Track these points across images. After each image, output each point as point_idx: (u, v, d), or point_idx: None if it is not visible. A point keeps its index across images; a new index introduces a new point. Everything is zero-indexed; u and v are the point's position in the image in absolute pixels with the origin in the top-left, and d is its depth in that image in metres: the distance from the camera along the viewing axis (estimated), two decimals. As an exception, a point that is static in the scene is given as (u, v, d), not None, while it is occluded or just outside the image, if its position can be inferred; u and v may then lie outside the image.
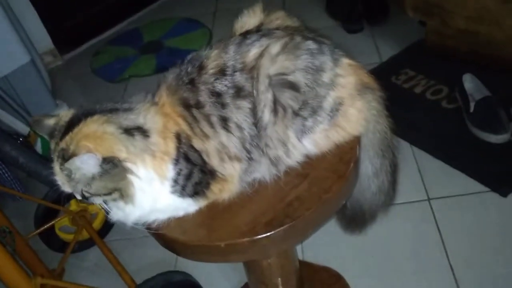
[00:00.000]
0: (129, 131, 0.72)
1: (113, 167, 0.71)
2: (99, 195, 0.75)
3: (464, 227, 1.50)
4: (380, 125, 0.87)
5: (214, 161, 0.76)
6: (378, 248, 1.50)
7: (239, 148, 0.76)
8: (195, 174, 0.76)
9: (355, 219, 1.01)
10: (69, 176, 0.72)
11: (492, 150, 1.67)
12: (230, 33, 0.91)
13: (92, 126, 0.71)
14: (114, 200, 0.76)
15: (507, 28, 1.72)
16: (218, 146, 0.75)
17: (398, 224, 1.52)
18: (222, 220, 0.77)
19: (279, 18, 0.86)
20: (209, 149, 0.75)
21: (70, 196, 1.60)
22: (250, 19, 0.87)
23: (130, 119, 0.73)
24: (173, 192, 0.76)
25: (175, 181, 0.75)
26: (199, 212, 0.79)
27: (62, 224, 1.65)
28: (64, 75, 2.70)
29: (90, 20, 2.89)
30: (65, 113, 0.76)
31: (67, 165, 0.70)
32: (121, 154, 0.71)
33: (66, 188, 0.75)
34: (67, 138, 0.71)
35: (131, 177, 0.73)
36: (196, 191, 0.77)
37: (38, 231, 1.54)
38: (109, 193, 0.74)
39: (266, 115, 0.74)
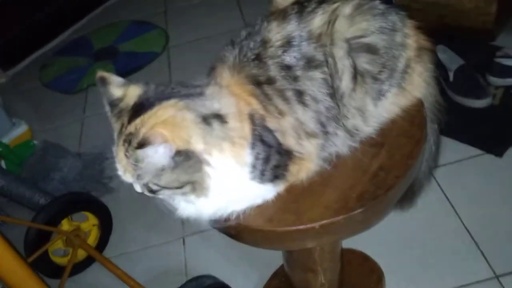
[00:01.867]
0: (206, 119, 0.65)
1: (187, 159, 0.64)
2: (169, 188, 0.67)
3: (469, 191, 1.53)
4: (433, 88, 0.86)
5: (290, 140, 0.70)
6: (391, 224, 1.49)
7: (315, 123, 0.71)
8: (272, 157, 0.70)
9: (405, 193, 0.99)
10: (136, 165, 0.64)
11: (477, 115, 1.72)
12: (269, 7, 0.85)
13: (169, 110, 0.63)
14: (184, 194, 0.68)
15: (475, -3, 1.78)
16: (295, 123, 0.70)
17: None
18: (307, 201, 0.72)
19: (326, -13, 0.82)
20: (285, 127, 0.70)
21: (61, 217, 1.48)
22: None
23: (206, 106, 0.66)
24: (252, 178, 0.70)
25: (254, 166, 0.69)
26: (278, 197, 0.73)
27: (55, 247, 1.51)
28: (12, 92, 2.49)
29: (30, 31, 2.68)
30: (132, 90, 0.67)
31: (138, 152, 0.62)
32: (198, 145, 0.64)
33: (127, 177, 0.67)
34: (138, 121, 0.63)
35: (207, 168, 0.66)
36: (276, 175, 0.71)
37: (33, 257, 1.39)
38: (181, 187, 0.67)
39: (345, 83, 0.70)
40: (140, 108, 0.65)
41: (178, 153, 0.63)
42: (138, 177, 0.66)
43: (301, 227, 0.69)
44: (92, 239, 1.58)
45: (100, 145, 1.89)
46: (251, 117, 0.68)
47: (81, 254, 1.54)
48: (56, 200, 1.52)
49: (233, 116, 0.66)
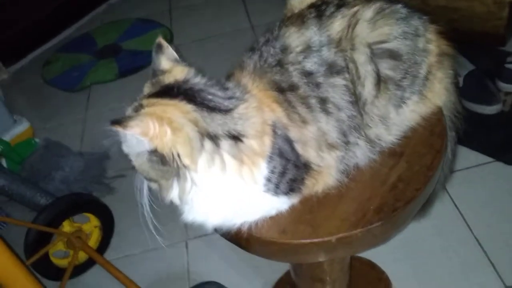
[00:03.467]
0: (215, 137, 0.62)
1: (162, 163, 0.61)
2: (140, 173, 0.65)
3: (478, 199, 1.50)
4: (453, 95, 0.83)
5: (310, 152, 0.68)
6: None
7: (337, 132, 0.68)
8: (289, 171, 0.67)
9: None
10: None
11: (487, 121, 1.69)
12: (285, 11, 0.82)
13: (177, 113, 0.60)
14: (151, 187, 0.67)
15: (487, 1, 1.75)
16: (317, 133, 0.67)
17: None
18: (323, 213, 0.69)
19: (342, -13, 0.79)
20: (307, 137, 0.67)
21: (62, 218, 1.45)
22: None
23: (226, 125, 0.63)
24: (266, 191, 0.67)
25: (268, 179, 0.66)
26: (293, 208, 0.70)
27: (56, 249, 1.48)
28: (14, 89, 2.45)
29: (33, 28, 2.65)
30: (179, 70, 0.66)
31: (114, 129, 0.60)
32: (185, 159, 0.61)
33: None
34: (153, 100, 0.62)
35: (188, 184, 0.63)
36: (291, 188, 0.68)
37: (32, 259, 1.36)
38: (149, 179, 0.66)
39: (368, 89, 0.67)
40: (168, 91, 0.63)
41: (154, 152, 0.61)
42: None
43: (316, 240, 0.66)
44: (93, 241, 1.55)
45: (105, 144, 1.86)
46: (274, 127, 0.65)
47: (82, 256, 1.51)
48: (57, 201, 1.49)
49: (251, 135, 0.63)
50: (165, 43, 0.68)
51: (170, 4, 2.84)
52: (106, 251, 1.60)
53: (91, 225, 1.55)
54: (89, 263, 1.54)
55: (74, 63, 2.51)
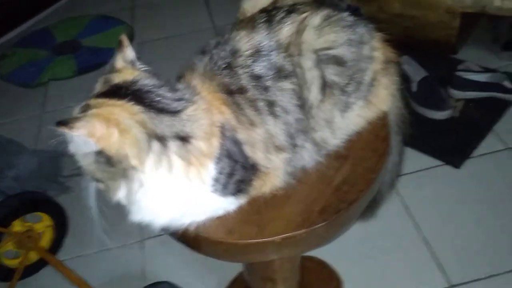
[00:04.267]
0: (162, 139, 0.63)
1: (108, 164, 0.62)
2: (87, 174, 0.65)
3: (428, 201, 1.56)
4: (399, 100, 0.86)
5: (258, 154, 0.69)
6: (350, 231, 1.50)
7: (285, 135, 0.69)
8: (237, 172, 0.68)
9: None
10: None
11: (438, 126, 1.76)
12: (238, 14, 0.84)
13: (124, 114, 0.61)
14: (97, 187, 0.67)
15: (440, 10, 1.82)
16: (265, 135, 0.68)
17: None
18: (269, 213, 0.71)
19: (294, -6, 0.81)
20: (255, 139, 0.68)
21: (13, 217, 1.42)
22: None
23: (174, 126, 0.63)
24: (214, 191, 0.68)
25: (216, 180, 0.67)
26: (240, 208, 0.72)
27: (5, 249, 1.44)
28: (-34, 84, 2.37)
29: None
30: (129, 71, 0.66)
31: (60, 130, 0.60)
32: (133, 160, 0.61)
33: None
34: (100, 100, 0.62)
35: (136, 184, 0.64)
36: (239, 189, 0.70)
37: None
38: (95, 180, 0.65)
39: (314, 94, 0.69)
40: (116, 91, 0.63)
41: (101, 153, 0.61)
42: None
43: (262, 240, 0.68)
44: (45, 241, 1.52)
45: (59, 142, 1.82)
46: (222, 129, 0.67)
47: (33, 256, 1.48)
48: (8, 200, 1.45)
49: (199, 136, 0.64)
50: (125, 42, 0.68)
51: (132, 2, 2.81)
52: (60, 251, 1.58)
53: (43, 224, 1.51)
54: (41, 263, 1.51)
55: (31, 58, 2.45)
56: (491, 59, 1.95)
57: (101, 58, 2.33)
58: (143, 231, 1.59)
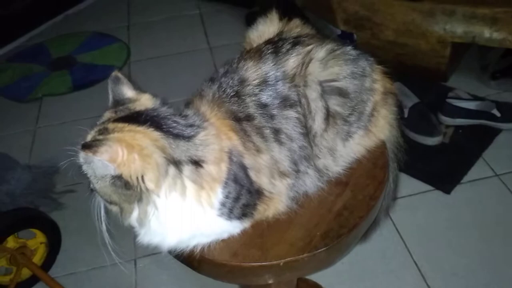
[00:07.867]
0: (178, 164, 0.65)
1: (126, 187, 0.63)
2: (100, 196, 0.67)
3: (419, 225, 1.59)
4: (396, 129, 0.90)
5: (263, 179, 0.72)
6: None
7: (289, 161, 0.72)
8: (243, 196, 0.71)
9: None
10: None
11: (429, 152, 1.80)
12: (244, 44, 0.87)
13: (146, 140, 0.63)
14: (111, 210, 0.69)
15: (432, 40, 1.88)
16: (270, 161, 0.71)
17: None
18: (272, 237, 0.73)
19: (298, 26, 0.85)
20: (261, 164, 0.71)
21: (6, 234, 1.41)
22: (267, 28, 0.84)
23: (188, 151, 0.66)
24: (220, 215, 0.70)
25: (223, 204, 0.69)
26: (244, 232, 0.74)
27: (-2, 265, 1.43)
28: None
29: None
30: (147, 99, 0.69)
31: (84, 153, 0.62)
32: (149, 184, 0.64)
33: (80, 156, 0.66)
34: (121, 125, 0.64)
35: (150, 207, 0.66)
36: (244, 213, 0.72)
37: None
38: (109, 203, 0.67)
39: (318, 123, 0.72)
40: (136, 117, 0.65)
41: (119, 178, 0.62)
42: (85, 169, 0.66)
43: (266, 263, 0.70)
44: (38, 257, 1.51)
45: (52, 158, 1.83)
46: (230, 154, 0.69)
47: (25, 272, 1.47)
48: (1, 216, 1.45)
49: (210, 161, 0.67)
50: (122, 76, 0.71)
51: (128, 20, 2.84)
52: (52, 268, 1.57)
53: (36, 241, 1.51)
54: (32, 280, 1.50)
55: (26, 73, 2.45)
56: (480, 87, 2.00)
57: (96, 75, 2.34)
58: (137, 250, 1.59)
